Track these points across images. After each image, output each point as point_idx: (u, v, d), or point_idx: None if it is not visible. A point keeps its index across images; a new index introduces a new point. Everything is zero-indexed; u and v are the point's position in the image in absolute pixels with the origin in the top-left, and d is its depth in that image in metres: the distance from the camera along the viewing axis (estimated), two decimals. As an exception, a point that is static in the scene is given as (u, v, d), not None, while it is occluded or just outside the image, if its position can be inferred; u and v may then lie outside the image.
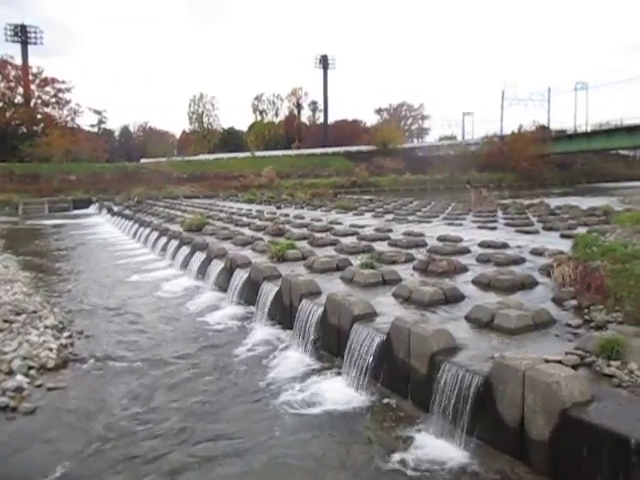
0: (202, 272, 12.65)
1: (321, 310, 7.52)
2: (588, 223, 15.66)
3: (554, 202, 26.31)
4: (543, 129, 74.86)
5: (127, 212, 30.09)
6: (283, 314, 8.71)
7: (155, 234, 18.94)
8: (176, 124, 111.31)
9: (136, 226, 23.32)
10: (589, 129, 68.84)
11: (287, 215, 22.67)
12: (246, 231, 16.64)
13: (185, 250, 14.59)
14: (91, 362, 7.55)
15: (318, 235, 14.63)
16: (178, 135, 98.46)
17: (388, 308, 7.17)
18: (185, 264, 13.90)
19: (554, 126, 76.65)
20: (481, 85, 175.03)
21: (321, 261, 10.21)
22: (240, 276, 10.52)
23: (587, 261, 7.86)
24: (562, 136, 71.01)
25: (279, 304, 8.84)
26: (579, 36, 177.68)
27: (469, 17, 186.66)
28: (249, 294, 10.02)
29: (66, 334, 8.47)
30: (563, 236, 13.33)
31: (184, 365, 7.49)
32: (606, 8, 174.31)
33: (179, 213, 25.64)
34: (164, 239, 17.39)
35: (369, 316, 6.81)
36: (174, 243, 16.04)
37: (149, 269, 14.83)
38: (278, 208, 28.39)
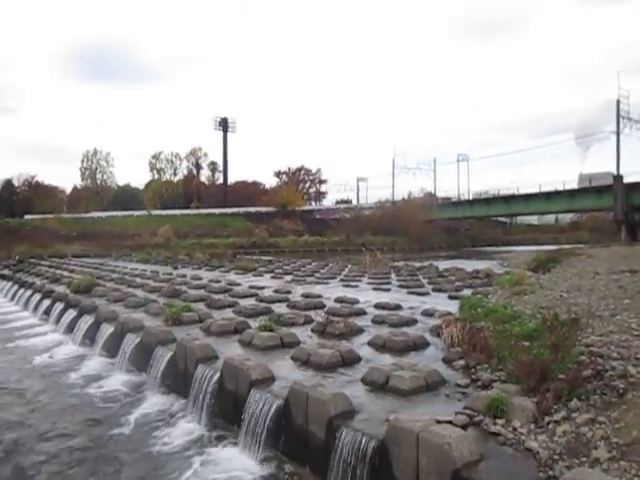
0: (90, 337, 11.87)
1: (218, 376, 7.30)
2: (473, 285, 16.69)
3: (442, 265, 27.85)
4: (431, 196, 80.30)
5: (6, 272, 27.86)
6: (178, 381, 8.33)
7: (37, 296, 17.62)
8: (67, 180, 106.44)
9: (15, 287, 21.60)
10: (471, 197, 74.66)
11: (184, 276, 22.12)
12: (139, 292, 15.97)
13: (71, 313, 13.66)
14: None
15: (216, 297, 14.39)
16: (69, 191, 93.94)
17: (287, 372, 7.11)
18: (70, 329, 12.98)
19: (440, 194, 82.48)
20: (374, 153, 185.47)
21: (218, 324, 9.99)
22: (131, 341, 10.00)
23: (473, 322, 8.36)
24: (448, 203, 76.34)
25: (173, 370, 8.47)
26: (462, 113, 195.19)
27: (362, 89, 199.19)
28: (141, 360, 9.50)
29: None
30: (451, 297, 14.07)
31: (57, 443, 6.77)
32: (487, 89, 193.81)
33: (66, 273, 24.13)
34: (47, 302, 16.20)
35: (267, 381, 6.71)
36: (59, 306, 14.98)
37: (28, 335, 13.63)
38: (175, 268, 27.62)
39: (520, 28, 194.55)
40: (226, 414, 7.04)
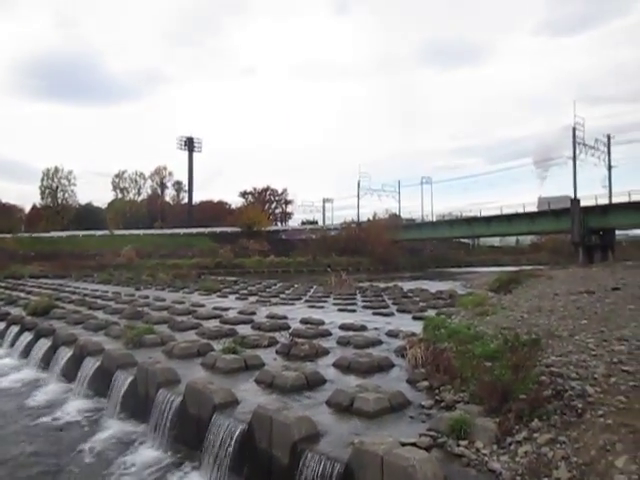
0: (46, 361, 11.45)
1: (180, 400, 7.13)
2: (437, 306, 16.88)
3: (407, 285, 28.11)
4: (395, 217, 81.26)
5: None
6: (139, 406, 8.10)
7: (-10, 319, 16.91)
8: (26, 198, 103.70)
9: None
10: (435, 219, 75.89)
11: (147, 297, 21.71)
12: (100, 314, 15.56)
13: (27, 337, 13.18)
14: None
15: (179, 319, 14.16)
16: (28, 210, 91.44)
17: (250, 395, 7.01)
18: (26, 353, 12.51)
19: (405, 215, 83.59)
20: (340, 175, 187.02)
21: (181, 346, 9.80)
22: (91, 365, 9.70)
23: (436, 342, 8.44)
24: (412, 224, 77.37)
25: (134, 395, 8.24)
26: (426, 137, 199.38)
27: (328, 111, 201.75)
28: (101, 385, 9.20)
29: None
30: (415, 318, 14.19)
31: (5, 476, 6.44)
32: (450, 114, 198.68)
33: (23, 295, 23.33)
34: (1, 325, 15.59)
35: (230, 404, 6.59)
36: (14, 329, 14.44)
37: (-22, 360, 13.07)
38: (137, 289, 27.07)
39: (482, 56, 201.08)
40: (188, 439, 6.87)
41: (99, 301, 19.83)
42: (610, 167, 53.38)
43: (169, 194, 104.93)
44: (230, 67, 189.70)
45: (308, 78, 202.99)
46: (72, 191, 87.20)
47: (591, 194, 51.15)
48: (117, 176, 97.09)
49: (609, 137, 54.25)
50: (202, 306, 17.79)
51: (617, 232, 54.97)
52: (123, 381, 8.55)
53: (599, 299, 11.81)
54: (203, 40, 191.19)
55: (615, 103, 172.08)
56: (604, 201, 50.16)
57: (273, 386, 7.37)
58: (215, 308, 16.96)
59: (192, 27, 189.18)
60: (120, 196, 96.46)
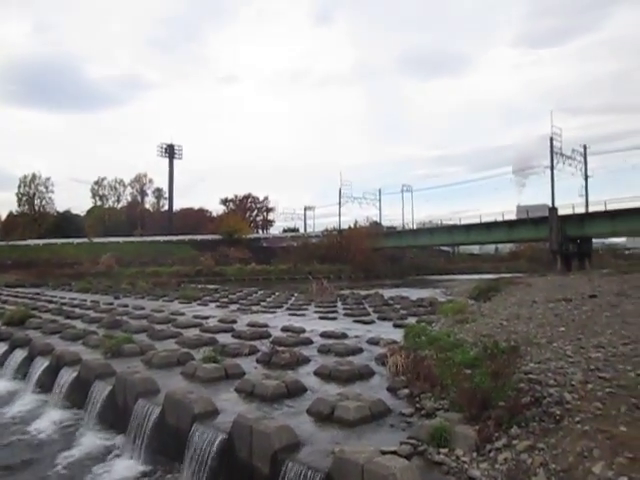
0: (22, 372, 11.21)
1: (159, 410, 7.04)
2: (417, 313, 16.96)
3: (388, 293, 28.20)
4: (376, 225, 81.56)
5: None
6: (117, 416, 7.97)
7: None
8: (2, 205, 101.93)
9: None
10: (415, 227, 76.39)
11: (126, 306, 21.46)
12: (78, 324, 15.33)
13: (2, 347, 12.89)
14: None
15: (159, 327, 14.03)
16: (4, 217, 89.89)
17: (231, 404, 6.96)
18: (0, 364, 12.25)
19: (385, 223, 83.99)
20: (321, 182, 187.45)
21: (161, 356, 9.70)
22: (68, 375, 9.53)
23: (417, 350, 8.47)
24: (393, 232, 77.77)
25: (112, 405, 8.11)
26: (408, 145, 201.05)
27: (311, 118, 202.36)
28: (78, 395, 9.04)
29: None
30: (396, 325, 14.23)
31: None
32: (432, 123, 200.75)
33: (-2, 304, 22.88)
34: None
35: (210, 414, 6.53)
36: (-12, 339, 14.11)
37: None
38: (116, 298, 26.75)
39: (463, 66, 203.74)
40: (168, 450, 6.78)
41: (77, 310, 19.54)
42: (587, 177, 54.39)
43: (149, 201, 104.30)
44: (211, 74, 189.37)
45: (289, 86, 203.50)
46: (50, 198, 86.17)
47: (568, 203, 52.06)
48: (96, 183, 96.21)
49: (585, 147, 55.31)
50: (182, 314, 17.65)
51: (594, 240, 55.90)
52: (101, 391, 8.42)
53: (576, 307, 11.98)
54: (184, 47, 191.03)
55: (591, 114, 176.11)
56: (581, 210, 51.06)
57: (254, 395, 7.32)
58: (195, 316, 16.84)
59: (173, 33, 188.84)
60: (99, 203, 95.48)
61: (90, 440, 7.77)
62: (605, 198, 48.93)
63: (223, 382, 8.21)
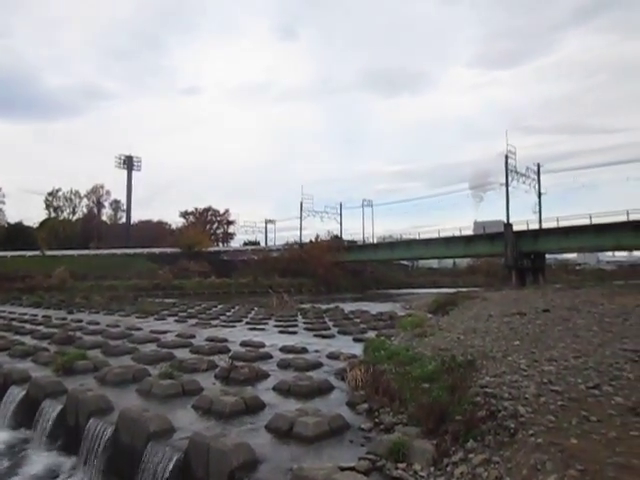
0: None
1: (112, 429, 6.84)
2: (377, 327, 17.07)
3: (348, 307, 28.29)
4: (337, 239, 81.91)
5: None
6: (68, 437, 7.69)
7: None
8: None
9: None
10: (376, 241, 77.12)
11: (80, 321, 20.85)
12: (28, 340, 14.79)
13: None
14: None
15: (114, 343, 13.68)
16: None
17: (187, 422, 6.82)
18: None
19: (346, 237, 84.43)
20: (283, 196, 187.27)
21: (115, 372, 9.45)
22: (15, 394, 9.16)
23: (376, 364, 8.51)
24: (354, 246, 78.26)
25: (64, 425, 7.83)
26: (368, 160, 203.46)
27: (272, 133, 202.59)
28: (27, 415, 8.67)
29: None
30: (356, 340, 14.28)
31: None
32: (392, 139, 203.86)
33: (-58, 319, 21.82)
34: None
35: (166, 432, 6.38)
36: None
37: None
38: (70, 313, 25.95)
39: (422, 85, 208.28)
40: (121, 471, 6.57)
41: (27, 325, 18.87)
42: (540, 194, 56.06)
43: (106, 213, 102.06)
44: (173, 85, 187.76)
45: (252, 99, 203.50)
46: (0, 209, 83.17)
47: (523, 219, 53.44)
48: (51, 194, 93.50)
49: (539, 166, 57.11)
50: (139, 329, 17.27)
51: (547, 256, 57.55)
52: (51, 410, 8.12)
53: (530, 321, 12.27)
54: (145, 57, 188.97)
55: (545, 134, 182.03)
56: (535, 226, 52.57)
57: (211, 412, 7.20)
58: (152, 331, 16.51)
59: (134, 44, 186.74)
60: (54, 215, 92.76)
61: (39, 462, 7.45)
62: (557, 215, 50.50)
63: (180, 399, 8.05)
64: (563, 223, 48.49)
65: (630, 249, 64.62)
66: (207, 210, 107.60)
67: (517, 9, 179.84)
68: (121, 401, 7.79)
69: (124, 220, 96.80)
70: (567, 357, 7.56)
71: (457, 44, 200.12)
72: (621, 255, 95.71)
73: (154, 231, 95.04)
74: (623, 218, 43.05)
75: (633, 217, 42.41)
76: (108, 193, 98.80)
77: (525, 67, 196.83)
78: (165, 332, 16.38)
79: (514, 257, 50.14)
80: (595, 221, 44.91)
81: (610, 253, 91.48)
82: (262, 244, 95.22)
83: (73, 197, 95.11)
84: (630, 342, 8.40)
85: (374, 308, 26.77)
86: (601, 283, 29.30)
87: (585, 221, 45.92)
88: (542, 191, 56.36)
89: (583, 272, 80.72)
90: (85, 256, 72.36)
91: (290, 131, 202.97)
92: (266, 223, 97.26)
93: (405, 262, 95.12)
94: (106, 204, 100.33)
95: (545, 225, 51.91)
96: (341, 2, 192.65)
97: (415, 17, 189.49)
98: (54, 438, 7.88)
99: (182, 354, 11.96)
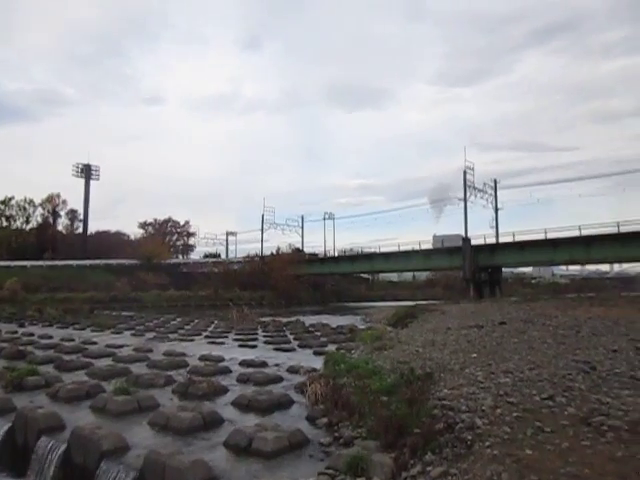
0: None
1: (64, 448, 6.60)
2: (337, 340, 17.09)
3: (309, 320, 28.25)
4: (298, 252, 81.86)
5: None
6: (16, 457, 7.37)
7: None
8: None
9: None
10: (337, 254, 77.38)
11: (31, 334, 20.19)
12: (-25, 355, 14.16)
13: None
14: None
15: (67, 358, 13.26)
16: None
17: (143, 439, 6.65)
18: None
19: (308, 250, 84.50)
20: (244, 208, 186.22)
21: (68, 388, 9.15)
22: (-40, 411, 8.74)
23: (336, 378, 8.51)
24: (315, 259, 78.33)
25: (11, 444, 7.49)
26: (330, 173, 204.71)
27: (235, 144, 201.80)
28: (-29, 434, 8.31)
29: None
30: (316, 353, 14.26)
31: None
32: (354, 153, 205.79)
33: None
34: None
35: (120, 450, 6.20)
36: None
37: None
38: (21, 326, 25.10)
39: (385, 100, 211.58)
40: (72, 491, 6.35)
41: (-26, 339, 18.10)
42: (497, 209, 57.41)
43: (62, 223, 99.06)
44: (135, 94, 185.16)
45: (216, 110, 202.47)
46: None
47: (481, 234, 54.57)
48: (3, 203, 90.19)
49: (496, 181, 58.57)
50: (94, 343, 16.83)
51: (504, 270, 58.93)
52: (-2, 429, 7.78)
53: (487, 333, 12.51)
54: (107, 64, 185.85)
55: (502, 151, 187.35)
56: (492, 241, 53.76)
57: (168, 428, 7.04)
58: (108, 345, 16.12)
59: (95, 50, 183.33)
60: (6, 224, 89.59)
61: (-16, 483, 7.14)
62: (514, 230, 51.85)
63: (136, 415, 7.85)
64: (519, 238, 49.76)
65: (582, 263, 66.88)
66: (167, 221, 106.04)
67: (479, 29, 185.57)
68: (74, 418, 7.54)
69: (81, 230, 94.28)
70: (522, 369, 7.73)
71: (420, 61, 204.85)
72: (574, 269, 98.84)
73: (112, 242, 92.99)
74: (576, 233, 44.52)
75: (585, 232, 43.92)
76: (64, 202, 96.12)
77: (485, 85, 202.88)
78: (121, 346, 16.00)
79: (472, 271, 51.09)
80: (550, 236, 46.28)
81: (564, 267, 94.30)
82: (223, 256, 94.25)
83: (27, 206, 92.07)
84: (582, 354, 8.67)
85: (335, 321, 26.80)
86: (555, 296, 30.19)
87: (540, 236, 47.25)
88: (499, 206, 57.77)
89: (538, 285, 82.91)
90: (39, 267, 70.14)
91: (253, 143, 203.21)
92: (227, 235, 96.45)
93: (366, 275, 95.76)
94: (62, 214, 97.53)
95: (502, 239, 53.14)
96: (306, 16, 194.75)
97: (380, 33, 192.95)
98: (1, 458, 7.54)
99: (139, 369, 11.70)
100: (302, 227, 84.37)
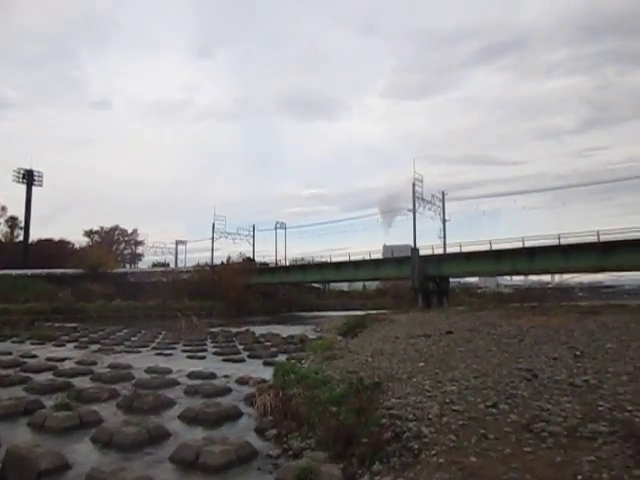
0: None
1: (-2, 468, 6.28)
2: (288, 350, 17.04)
3: (259, 330, 27.99)
4: (249, 261, 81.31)
5: None
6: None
7: None
8: None
9: None
10: (288, 264, 77.25)
11: (-35, 348, 19.11)
12: None
13: None
14: None
15: (4, 372, 12.66)
16: None
17: (85, 456, 6.42)
18: None
19: (259, 259, 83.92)
20: (193, 217, 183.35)
21: (4, 405, 8.75)
22: None
23: (285, 389, 8.48)
24: (266, 269, 77.92)
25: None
26: (281, 183, 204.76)
27: (184, 152, 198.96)
28: None
29: None
30: (266, 363, 14.17)
31: None
32: (305, 162, 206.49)
33: None
34: None
35: (59, 469, 5.95)
36: None
37: None
38: (-48, 340, 23.72)
39: (336, 111, 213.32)
40: (6, 513, 6.04)
41: None
42: (444, 220, 58.74)
43: (1, 231, 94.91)
44: (82, 98, 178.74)
45: (167, 117, 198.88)
46: None
47: (429, 244, 55.54)
48: None
49: (443, 193, 59.97)
50: (34, 357, 16.16)
51: (451, 280, 60.24)
52: None
53: (435, 342, 12.75)
54: (52, 66, 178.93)
55: (450, 163, 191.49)
56: (440, 251, 54.86)
57: (112, 444, 6.83)
58: (49, 359, 15.51)
59: (39, 52, 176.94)
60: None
61: None
62: (461, 241, 53.05)
63: (77, 432, 7.58)
64: (466, 249, 50.96)
65: (525, 273, 69.09)
66: (114, 229, 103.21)
67: (429, 44, 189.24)
68: (9, 437, 7.22)
69: (22, 238, 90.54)
70: (468, 377, 7.92)
71: (372, 74, 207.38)
72: (518, 279, 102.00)
73: (55, 251, 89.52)
74: (519, 244, 46.01)
75: (528, 244, 45.49)
76: (4, 209, 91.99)
77: (434, 100, 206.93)
78: (63, 359, 15.42)
79: (420, 280, 51.95)
80: (494, 247, 47.63)
81: (508, 277, 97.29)
82: (172, 265, 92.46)
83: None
84: (524, 362, 8.95)
85: (285, 331, 26.69)
86: (500, 305, 31.00)
87: (485, 247, 48.53)
88: (447, 218, 59.11)
89: (484, 295, 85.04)
90: (-26, 277, 66.82)
91: (205, 151, 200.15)
92: (177, 244, 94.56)
93: (317, 285, 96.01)
94: (1, 221, 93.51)
95: (449, 250, 54.27)
96: (260, 27, 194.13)
97: (333, 46, 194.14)
98: None
99: (81, 383, 11.32)
100: (253, 236, 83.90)
